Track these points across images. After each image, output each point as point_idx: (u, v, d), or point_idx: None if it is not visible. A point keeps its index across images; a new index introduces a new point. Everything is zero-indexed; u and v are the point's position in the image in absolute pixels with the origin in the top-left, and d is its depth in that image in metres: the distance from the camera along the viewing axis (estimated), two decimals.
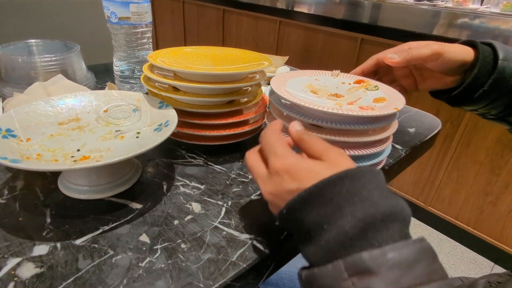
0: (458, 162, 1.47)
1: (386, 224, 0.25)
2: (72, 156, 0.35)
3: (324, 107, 0.40)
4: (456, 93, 0.47)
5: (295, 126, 0.34)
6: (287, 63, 0.79)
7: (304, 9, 1.86)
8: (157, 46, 2.87)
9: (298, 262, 0.72)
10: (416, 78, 0.53)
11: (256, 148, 0.35)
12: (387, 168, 0.50)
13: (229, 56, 0.56)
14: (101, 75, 0.77)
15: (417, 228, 1.68)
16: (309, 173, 0.29)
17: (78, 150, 0.37)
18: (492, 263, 1.49)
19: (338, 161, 0.30)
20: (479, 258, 1.52)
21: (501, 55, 0.44)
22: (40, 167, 0.31)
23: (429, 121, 0.67)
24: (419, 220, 1.72)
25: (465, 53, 0.46)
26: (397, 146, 0.56)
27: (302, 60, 1.83)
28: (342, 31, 1.60)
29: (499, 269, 1.46)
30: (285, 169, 0.30)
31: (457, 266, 1.48)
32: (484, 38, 0.47)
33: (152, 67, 0.50)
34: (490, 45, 0.46)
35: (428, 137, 0.60)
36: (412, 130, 0.63)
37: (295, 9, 1.82)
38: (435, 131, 0.63)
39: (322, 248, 0.26)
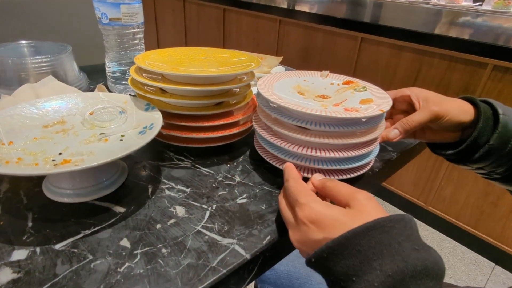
0: None
1: (416, 280, 0.24)
2: (53, 160, 0.35)
3: (308, 108, 0.39)
4: (459, 150, 0.46)
5: (317, 177, 0.36)
6: (286, 62, 0.78)
7: (304, 8, 1.85)
8: (158, 45, 2.87)
9: (295, 261, 0.72)
10: (416, 130, 0.50)
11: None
12: (377, 170, 0.49)
13: (218, 57, 0.55)
14: (95, 75, 0.77)
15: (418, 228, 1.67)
16: (336, 222, 0.29)
17: (60, 153, 0.37)
18: (493, 264, 1.48)
19: (365, 208, 0.30)
20: (480, 259, 1.51)
21: (500, 110, 0.44)
22: (17, 171, 0.31)
23: None
24: (419, 220, 1.71)
25: (465, 111, 0.45)
26: (388, 148, 0.55)
27: (302, 59, 1.82)
28: (342, 30, 1.59)
29: (500, 270, 1.45)
30: (310, 219, 0.30)
31: (457, 266, 1.47)
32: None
33: (140, 69, 0.50)
34: (486, 102, 0.46)
35: None
36: None
37: (296, 8, 1.81)
38: None
39: None
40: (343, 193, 0.32)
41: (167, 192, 0.42)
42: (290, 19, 1.80)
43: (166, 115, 0.48)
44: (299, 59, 1.85)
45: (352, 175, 0.44)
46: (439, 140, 0.49)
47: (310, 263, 0.29)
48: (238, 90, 0.52)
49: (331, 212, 0.30)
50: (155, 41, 2.86)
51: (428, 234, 1.64)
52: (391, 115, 0.52)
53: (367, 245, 0.26)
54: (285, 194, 0.36)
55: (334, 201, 0.33)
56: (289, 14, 1.79)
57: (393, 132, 0.46)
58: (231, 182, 0.45)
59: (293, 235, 0.32)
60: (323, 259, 0.28)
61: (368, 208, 0.30)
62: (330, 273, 0.28)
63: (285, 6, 1.85)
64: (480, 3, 1.99)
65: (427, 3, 2.15)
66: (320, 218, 0.30)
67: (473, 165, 0.47)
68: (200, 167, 0.47)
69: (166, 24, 2.69)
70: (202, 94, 0.48)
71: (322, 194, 0.35)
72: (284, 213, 0.34)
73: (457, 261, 1.50)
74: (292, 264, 0.70)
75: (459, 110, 0.45)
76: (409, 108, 0.49)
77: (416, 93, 0.48)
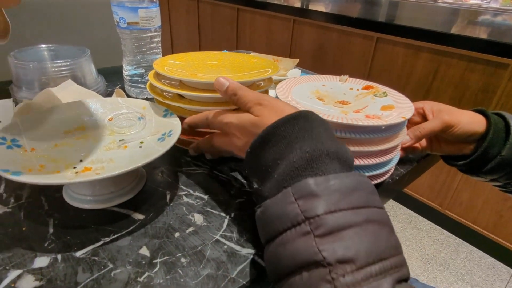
0: None
1: (330, 158, 0.29)
2: (74, 167, 0.35)
3: (330, 115, 0.38)
4: (470, 160, 0.47)
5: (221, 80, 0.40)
6: (299, 62, 0.78)
7: (318, 7, 1.83)
8: (172, 45, 2.89)
9: None
10: (432, 140, 0.52)
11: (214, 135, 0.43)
12: (397, 178, 0.48)
13: (235, 62, 0.55)
14: (112, 78, 0.78)
15: (433, 232, 1.64)
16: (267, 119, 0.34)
17: (81, 160, 0.37)
18: None
19: (278, 105, 0.35)
20: (498, 264, 1.47)
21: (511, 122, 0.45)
22: (39, 180, 0.31)
23: None
24: (435, 224, 1.68)
25: (477, 122, 0.46)
26: (409, 155, 0.54)
27: (316, 59, 1.81)
28: (357, 29, 1.57)
29: None
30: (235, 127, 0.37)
31: (475, 272, 1.43)
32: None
33: (159, 75, 0.50)
34: (498, 115, 0.47)
35: None
36: None
37: (310, 7, 1.80)
38: None
39: (275, 181, 0.29)
40: (251, 99, 0.37)
41: (185, 199, 0.42)
42: (304, 18, 1.78)
43: (183, 120, 0.48)
44: (313, 59, 1.83)
45: (373, 182, 0.43)
46: (455, 152, 0.50)
47: (247, 157, 0.33)
48: None
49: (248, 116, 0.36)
50: (169, 41, 2.88)
51: (444, 238, 1.61)
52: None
53: (291, 131, 0.30)
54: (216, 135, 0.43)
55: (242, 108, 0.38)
56: (303, 13, 1.78)
57: (405, 138, 0.46)
58: (249, 189, 0.44)
59: (233, 148, 0.39)
60: (256, 148, 0.32)
61: (281, 104, 0.35)
62: (261, 162, 0.32)
63: (299, 5, 1.83)
64: (488, 0, 1.94)
65: (435, 1, 2.11)
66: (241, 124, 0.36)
67: (486, 176, 0.47)
68: (218, 173, 0.47)
69: (180, 25, 2.70)
70: (220, 100, 0.47)
71: (230, 100, 0.40)
72: (221, 143, 0.41)
73: (474, 266, 1.46)
74: None
75: (471, 120, 0.46)
76: (423, 120, 0.49)
77: (430, 106, 0.49)
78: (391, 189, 0.50)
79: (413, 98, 0.47)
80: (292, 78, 0.50)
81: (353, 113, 0.42)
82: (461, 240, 1.59)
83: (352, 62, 1.66)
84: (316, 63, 1.82)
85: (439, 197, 1.60)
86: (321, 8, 1.82)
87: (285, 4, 1.88)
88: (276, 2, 1.94)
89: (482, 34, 1.32)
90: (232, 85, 0.39)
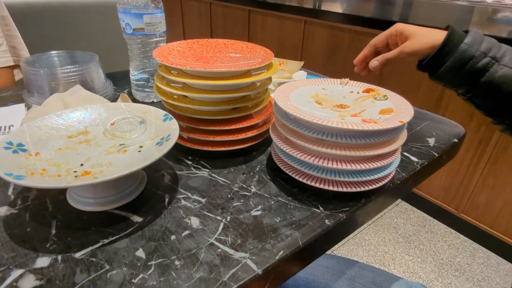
0: (494, 167, 1.37)
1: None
2: (75, 171, 0.37)
3: (325, 120, 0.38)
4: (423, 64, 0.57)
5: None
6: (310, 63, 0.78)
7: (330, 7, 1.82)
8: None
9: (315, 269, 0.71)
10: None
11: None
12: (398, 182, 0.48)
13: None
14: (120, 82, 0.80)
15: (448, 236, 1.60)
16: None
17: (82, 164, 0.38)
18: None
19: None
20: None
21: (468, 40, 0.53)
22: (42, 184, 0.33)
23: (451, 130, 0.63)
24: (450, 227, 1.64)
25: (437, 37, 0.55)
26: (412, 158, 0.53)
27: (327, 60, 1.79)
28: (369, 29, 1.55)
29: None
30: None
31: (492, 278, 1.39)
32: None
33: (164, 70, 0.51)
34: (467, 32, 0.55)
35: (448, 148, 0.57)
36: (431, 140, 0.59)
37: (321, 8, 1.78)
38: (457, 141, 0.59)
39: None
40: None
41: (183, 202, 0.43)
42: (315, 19, 1.77)
43: (187, 119, 0.50)
44: (324, 60, 1.82)
45: (371, 187, 0.43)
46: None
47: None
48: (253, 95, 0.53)
49: None
50: None
51: (460, 242, 1.56)
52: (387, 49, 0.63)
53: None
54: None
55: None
56: (315, 14, 1.77)
57: (374, 63, 0.59)
58: (246, 193, 0.45)
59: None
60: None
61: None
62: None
63: (310, 6, 1.82)
64: None
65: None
66: None
67: (440, 82, 0.57)
68: (216, 176, 0.48)
69: (193, 28, 2.74)
70: (218, 100, 0.49)
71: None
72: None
73: (492, 272, 1.42)
74: (311, 272, 0.70)
75: (430, 47, 0.55)
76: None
77: (401, 33, 0.59)
78: (392, 194, 0.49)
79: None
80: (292, 82, 0.50)
81: (350, 117, 0.42)
82: (478, 245, 1.55)
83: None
84: (327, 64, 1.80)
85: (455, 200, 1.56)
86: (332, 8, 1.80)
87: (297, 5, 1.88)
88: (287, 3, 1.94)
89: (500, 31, 1.27)
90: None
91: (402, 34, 0.58)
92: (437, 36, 0.55)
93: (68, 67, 0.62)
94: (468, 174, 1.46)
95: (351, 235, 1.60)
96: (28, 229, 0.38)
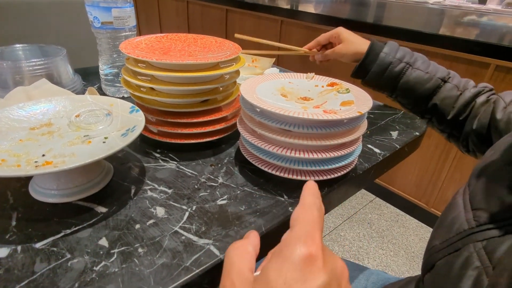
0: (461, 162, 1.44)
1: None
2: (36, 162, 0.36)
3: (288, 111, 0.40)
4: (352, 73, 0.70)
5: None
6: (287, 63, 0.80)
7: (306, 8, 1.85)
8: None
9: None
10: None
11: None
12: (361, 172, 0.50)
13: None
14: (90, 78, 0.78)
15: (419, 230, 1.66)
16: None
17: (43, 155, 0.38)
18: None
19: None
20: None
21: (385, 49, 0.65)
22: None
23: (414, 124, 0.66)
24: (421, 222, 1.70)
25: (361, 46, 0.68)
26: (375, 149, 0.55)
27: (304, 60, 1.82)
28: None
29: None
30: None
31: None
32: None
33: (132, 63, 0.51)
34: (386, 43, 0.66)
35: (409, 141, 0.59)
36: (394, 133, 0.62)
37: (298, 8, 1.81)
38: (419, 135, 0.62)
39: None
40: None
41: (149, 193, 0.43)
42: (292, 19, 1.80)
43: (157, 112, 0.50)
44: (301, 61, 1.85)
45: (334, 175, 0.44)
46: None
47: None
48: (222, 88, 0.53)
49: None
50: None
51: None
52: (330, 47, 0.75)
53: None
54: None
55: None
56: (291, 14, 1.79)
57: (317, 57, 0.77)
58: (213, 184, 0.45)
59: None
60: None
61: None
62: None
63: (287, 6, 1.85)
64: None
65: (426, 2, 2.14)
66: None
67: (371, 86, 0.69)
68: (184, 168, 0.48)
69: (169, 27, 2.71)
70: (189, 92, 0.49)
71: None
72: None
73: None
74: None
75: (354, 53, 0.69)
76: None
77: (338, 36, 0.71)
78: (355, 183, 0.51)
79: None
80: (258, 76, 0.51)
81: (312, 109, 0.43)
82: None
83: (340, 64, 1.67)
84: (304, 64, 1.83)
85: (425, 195, 1.62)
86: (309, 9, 1.84)
87: (274, 5, 1.90)
88: (265, 3, 1.96)
89: (466, 34, 1.34)
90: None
91: (338, 37, 0.71)
92: (361, 46, 0.67)
93: (34, 60, 0.61)
94: (437, 170, 1.52)
95: (327, 231, 1.64)
96: None
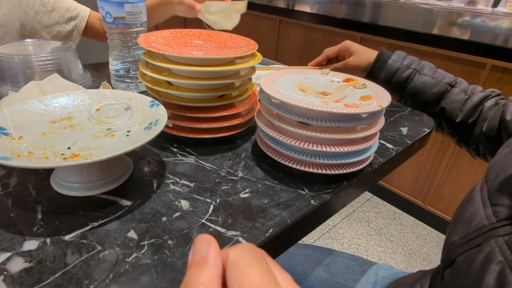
0: (457, 161, 1.46)
1: None
2: (62, 154, 0.36)
3: (310, 104, 0.40)
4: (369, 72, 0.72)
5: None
6: (286, 62, 0.80)
7: (304, 8, 1.86)
8: None
9: (292, 259, 0.73)
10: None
11: None
12: (376, 166, 0.51)
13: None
14: (99, 73, 0.78)
15: (416, 228, 1.68)
16: None
17: (69, 148, 0.38)
18: None
19: None
20: None
21: (393, 57, 0.69)
22: (29, 164, 0.32)
23: (422, 121, 0.67)
24: (418, 220, 1.73)
25: (372, 56, 0.71)
26: (388, 145, 0.56)
27: (302, 59, 1.83)
28: (341, 30, 1.60)
29: None
30: None
31: None
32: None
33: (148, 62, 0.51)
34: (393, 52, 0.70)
35: (419, 137, 0.61)
36: (404, 129, 0.63)
37: (295, 8, 1.83)
38: (428, 131, 0.63)
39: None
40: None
41: (171, 186, 0.43)
42: (290, 19, 1.81)
43: (173, 106, 0.50)
44: (299, 59, 1.86)
45: (351, 170, 0.45)
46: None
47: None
48: (238, 84, 0.54)
49: None
50: None
51: (426, 233, 1.65)
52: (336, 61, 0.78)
53: None
54: None
55: None
56: (289, 14, 1.80)
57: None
58: (234, 177, 0.46)
59: None
60: None
61: None
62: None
63: (285, 6, 1.86)
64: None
65: (425, 3, 2.17)
66: None
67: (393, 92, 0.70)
68: (203, 162, 0.48)
69: (165, 22, 2.69)
70: (205, 87, 0.49)
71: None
72: None
73: None
74: (288, 261, 0.72)
75: (367, 64, 0.71)
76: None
77: (348, 49, 0.74)
78: (371, 178, 0.52)
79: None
80: (277, 71, 0.52)
81: (333, 103, 0.44)
82: (443, 235, 1.64)
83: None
84: (301, 63, 1.84)
85: (422, 193, 1.64)
86: (306, 8, 1.85)
87: (271, 4, 1.91)
88: (262, 3, 1.96)
89: (464, 35, 1.37)
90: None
91: (349, 50, 0.73)
92: (372, 56, 0.71)
93: (44, 55, 0.60)
94: (434, 168, 1.55)
95: (326, 229, 1.65)
96: (11, 215, 0.37)
